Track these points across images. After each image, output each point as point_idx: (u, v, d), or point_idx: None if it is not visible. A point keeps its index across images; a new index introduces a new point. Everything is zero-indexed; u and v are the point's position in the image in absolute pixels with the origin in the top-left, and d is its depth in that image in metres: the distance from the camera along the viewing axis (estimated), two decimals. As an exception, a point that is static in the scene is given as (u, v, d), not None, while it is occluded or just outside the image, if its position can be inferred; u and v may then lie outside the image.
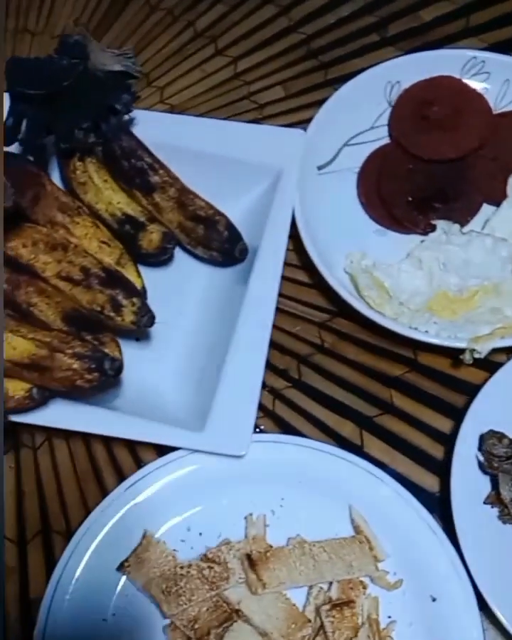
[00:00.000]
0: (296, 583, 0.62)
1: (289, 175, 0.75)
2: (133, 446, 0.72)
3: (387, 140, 0.83)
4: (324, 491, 0.67)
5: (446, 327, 0.71)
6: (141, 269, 0.74)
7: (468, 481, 0.66)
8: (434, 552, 0.64)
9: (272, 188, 0.76)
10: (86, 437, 0.73)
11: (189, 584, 0.62)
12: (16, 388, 0.63)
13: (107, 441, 0.73)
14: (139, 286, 0.72)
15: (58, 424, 0.66)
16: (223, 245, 0.74)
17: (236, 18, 0.92)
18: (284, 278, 0.73)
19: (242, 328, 0.70)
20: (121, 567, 0.65)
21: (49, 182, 0.73)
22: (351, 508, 0.66)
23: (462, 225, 0.76)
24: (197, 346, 0.74)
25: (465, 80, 0.82)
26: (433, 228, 0.76)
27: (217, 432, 0.66)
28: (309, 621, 0.62)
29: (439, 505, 0.67)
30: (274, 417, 0.73)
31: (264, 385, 0.70)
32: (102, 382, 0.62)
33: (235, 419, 0.66)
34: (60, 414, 0.66)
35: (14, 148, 0.74)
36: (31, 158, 0.75)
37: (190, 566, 0.63)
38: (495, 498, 0.65)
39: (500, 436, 0.66)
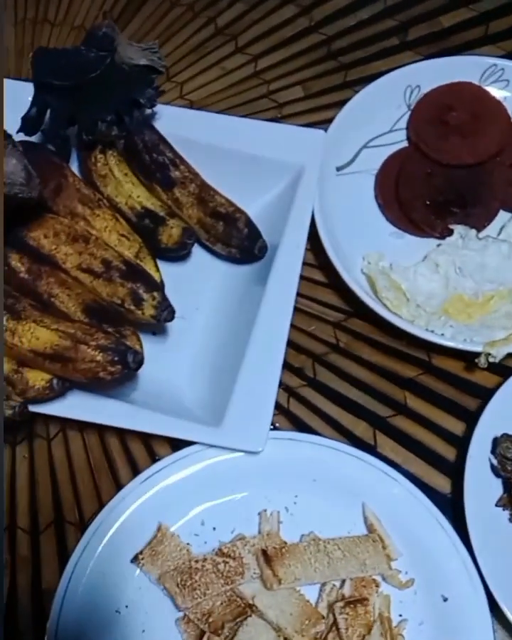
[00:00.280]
0: (311, 580, 0.63)
1: (309, 174, 0.76)
2: (147, 440, 0.72)
3: (405, 143, 0.83)
4: (338, 489, 0.67)
5: (461, 330, 0.72)
6: (158, 263, 0.74)
7: (480, 484, 0.66)
8: (446, 553, 0.64)
9: (292, 186, 0.76)
10: (100, 429, 0.73)
11: (204, 577, 0.63)
12: (36, 378, 0.63)
13: (122, 433, 0.73)
14: (157, 280, 0.72)
15: (76, 415, 0.66)
16: (243, 242, 0.75)
17: (256, 16, 0.93)
18: (300, 277, 0.73)
19: (261, 325, 0.70)
20: (135, 559, 0.65)
21: (71, 173, 0.73)
22: (364, 507, 0.67)
23: (478, 231, 0.77)
24: (213, 342, 0.74)
25: (484, 87, 0.83)
26: (450, 232, 0.77)
27: (234, 428, 0.66)
28: (323, 617, 0.62)
29: (450, 507, 0.67)
30: (288, 415, 0.73)
31: (279, 383, 0.70)
32: (124, 375, 0.62)
33: (252, 416, 0.66)
34: (78, 406, 0.66)
35: (36, 138, 0.74)
36: (52, 148, 0.75)
37: (205, 560, 0.64)
38: (507, 501, 0.66)
39: (513, 439, 0.67)
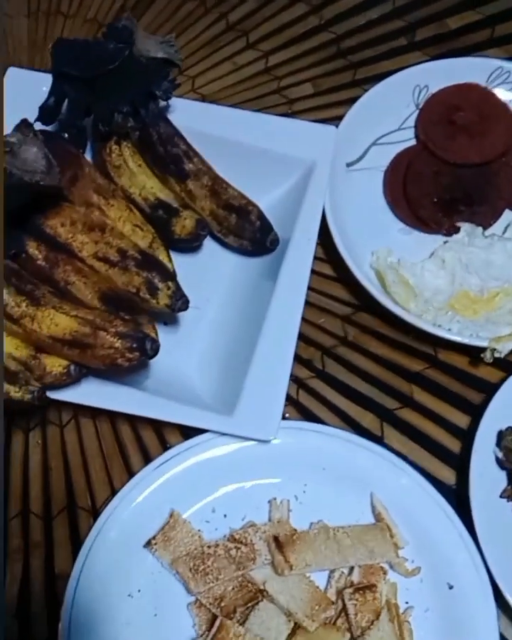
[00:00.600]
0: (321, 566, 0.64)
1: (321, 169, 0.77)
2: (159, 428, 0.73)
3: (413, 142, 0.85)
4: (347, 478, 0.69)
5: (467, 326, 0.73)
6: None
7: (485, 475, 0.68)
8: (452, 542, 0.66)
9: (303, 181, 0.77)
10: (112, 417, 0.74)
11: (216, 563, 0.64)
12: (54, 364, 0.64)
13: (133, 421, 0.74)
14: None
15: (91, 402, 0.67)
16: (255, 235, 0.76)
17: (268, 13, 0.94)
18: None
19: (273, 317, 0.71)
20: (148, 545, 0.66)
21: (87, 163, 0.73)
22: (373, 496, 0.68)
23: (484, 229, 0.79)
24: (224, 333, 0.76)
25: (491, 89, 0.84)
26: (457, 230, 0.79)
27: (246, 417, 0.67)
28: (332, 603, 0.63)
29: (455, 498, 0.69)
30: (297, 406, 0.75)
31: (290, 374, 0.71)
32: (140, 362, 0.63)
33: (264, 405, 0.68)
34: (93, 392, 0.67)
35: (52, 128, 0.75)
36: (65, 136, 0.75)
37: (217, 546, 0.65)
38: (511, 492, 0.68)
39: (518, 433, 0.68)
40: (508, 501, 0.68)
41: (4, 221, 0.64)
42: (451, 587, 0.65)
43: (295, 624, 0.63)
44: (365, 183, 0.82)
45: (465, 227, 0.78)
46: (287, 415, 0.74)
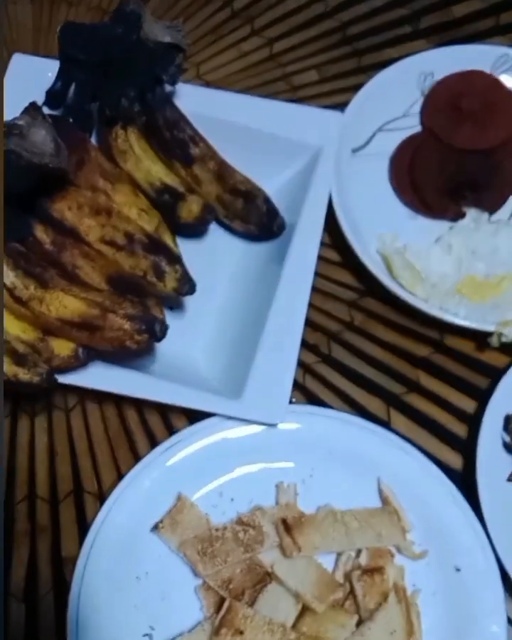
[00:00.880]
0: (329, 549, 0.64)
1: (327, 154, 0.77)
2: (165, 412, 0.73)
3: (419, 128, 0.85)
4: (354, 462, 0.69)
5: (474, 310, 0.73)
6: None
7: (492, 460, 0.68)
8: (459, 525, 0.66)
9: (310, 166, 0.77)
10: (118, 401, 0.74)
11: (224, 546, 0.64)
12: (62, 347, 0.64)
13: (139, 406, 0.74)
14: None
15: (99, 385, 0.67)
16: (262, 219, 0.76)
17: (273, 0, 0.93)
18: (317, 256, 0.75)
19: (280, 302, 0.71)
20: (155, 528, 0.66)
21: (93, 148, 0.73)
22: (379, 480, 0.68)
23: (490, 214, 0.79)
24: (230, 317, 0.75)
25: (496, 76, 0.85)
26: (462, 215, 0.79)
27: (254, 400, 0.67)
28: (341, 585, 0.64)
29: (461, 482, 0.69)
30: (304, 391, 0.75)
31: (297, 359, 0.71)
32: (149, 344, 0.63)
33: (271, 389, 0.68)
34: (101, 376, 0.67)
35: (59, 112, 0.75)
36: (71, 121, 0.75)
37: (225, 529, 0.65)
38: (518, 476, 0.68)
39: (525, 417, 0.68)
40: (514, 485, 0.68)
41: (12, 204, 0.65)
42: (458, 570, 0.65)
43: (303, 605, 0.63)
44: (371, 169, 0.82)
45: (471, 212, 0.79)
46: (294, 400, 0.74)
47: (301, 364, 0.75)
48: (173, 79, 0.74)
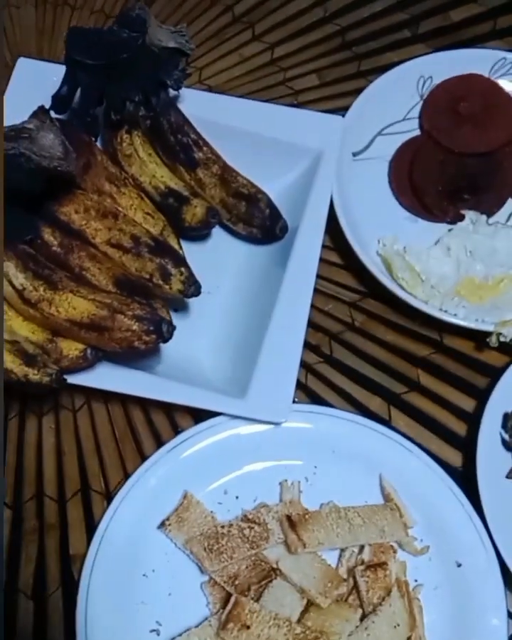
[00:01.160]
0: (333, 544, 0.66)
1: (328, 158, 0.78)
2: (170, 412, 0.75)
3: (418, 132, 0.86)
4: (356, 460, 0.70)
5: (473, 311, 0.75)
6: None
7: (492, 457, 0.69)
8: (460, 521, 0.67)
9: (311, 170, 0.78)
10: (124, 401, 0.75)
11: (230, 542, 0.65)
12: (70, 348, 0.65)
13: (145, 406, 0.75)
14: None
15: (107, 385, 0.68)
16: (265, 222, 0.77)
17: (273, 5, 0.95)
18: (319, 258, 0.76)
19: (283, 303, 0.72)
20: (162, 526, 0.67)
21: (99, 152, 0.74)
22: (381, 477, 0.70)
23: (489, 216, 0.80)
24: (234, 319, 0.77)
25: (494, 79, 0.86)
26: (461, 218, 0.80)
27: (258, 400, 0.68)
28: (344, 580, 0.65)
29: (462, 479, 0.70)
30: (306, 390, 0.76)
31: (300, 359, 0.73)
32: (157, 344, 0.64)
33: (275, 388, 0.69)
34: (109, 376, 0.68)
35: (64, 116, 0.76)
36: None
37: (231, 526, 0.66)
38: (517, 473, 0.69)
39: (523, 415, 0.70)
40: (513, 482, 0.69)
41: (20, 206, 0.66)
42: (459, 565, 0.66)
43: (308, 600, 0.64)
44: (371, 172, 0.84)
45: (470, 215, 0.80)
46: (296, 399, 0.75)
47: (303, 364, 0.76)
48: (177, 83, 0.75)
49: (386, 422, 0.74)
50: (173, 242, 0.75)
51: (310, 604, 0.64)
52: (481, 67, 0.86)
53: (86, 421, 0.74)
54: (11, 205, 0.66)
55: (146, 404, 0.75)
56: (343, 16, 0.94)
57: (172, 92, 0.77)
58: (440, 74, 0.86)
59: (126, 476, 0.71)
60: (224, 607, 0.63)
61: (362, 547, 0.67)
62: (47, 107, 0.66)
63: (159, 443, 0.73)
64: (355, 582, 0.65)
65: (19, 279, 0.64)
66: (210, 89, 0.89)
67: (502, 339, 0.73)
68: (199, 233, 0.78)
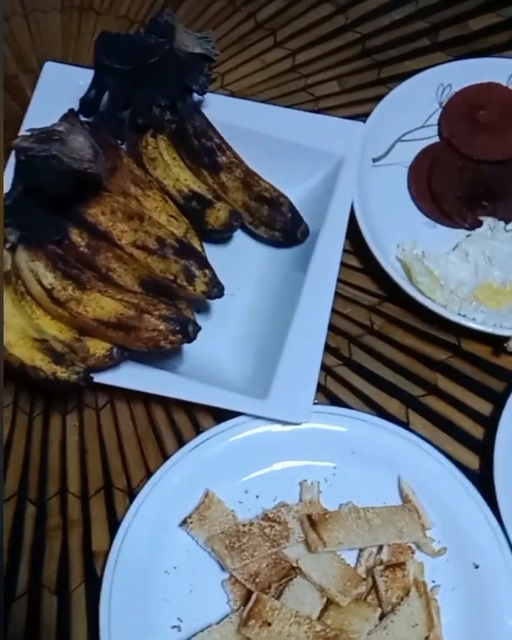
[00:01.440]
0: (353, 544, 0.66)
1: (350, 163, 0.79)
2: (192, 412, 0.76)
3: (437, 139, 0.87)
4: (374, 462, 0.71)
5: (491, 316, 0.76)
6: (203, 244, 0.77)
7: (509, 460, 0.70)
8: (477, 523, 0.68)
9: (333, 175, 0.79)
10: (146, 401, 0.76)
11: (251, 540, 0.66)
12: (97, 347, 0.66)
13: (167, 405, 0.76)
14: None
15: (132, 385, 0.69)
16: (286, 226, 0.78)
17: (295, 13, 0.96)
18: (340, 262, 0.77)
19: (304, 306, 0.73)
20: (183, 524, 0.68)
21: (126, 155, 0.76)
22: (400, 479, 0.71)
23: (507, 223, 0.81)
24: (256, 321, 0.78)
25: (512, 88, 0.87)
26: (479, 224, 0.81)
27: (279, 400, 0.69)
28: (363, 579, 0.66)
29: (479, 482, 0.71)
30: (325, 392, 0.77)
31: (320, 361, 0.74)
32: (182, 344, 0.65)
33: (296, 389, 0.70)
34: (133, 376, 0.69)
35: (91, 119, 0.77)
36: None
37: (252, 524, 0.67)
38: (534, 476, 0.70)
39: (540, 419, 0.71)
40: (530, 485, 0.70)
41: (48, 207, 0.67)
42: (476, 567, 0.67)
43: (327, 599, 0.65)
44: (391, 178, 0.85)
45: (488, 221, 0.81)
46: (316, 401, 0.76)
47: (323, 367, 0.76)
48: (202, 88, 0.76)
49: (404, 425, 0.75)
50: (196, 243, 0.76)
51: (329, 603, 0.65)
52: (499, 75, 0.87)
53: (109, 420, 0.76)
54: (40, 206, 0.68)
55: (168, 403, 0.76)
56: (363, 23, 0.95)
57: (196, 97, 0.78)
58: (459, 82, 0.87)
59: (148, 474, 0.72)
60: (245, 604, 0.64)
61: (380, 548, 0.68)
62: (73, 109, 0.67)
63: (181, 442, 0.74)
64: (374, 582, 0.66)
65: (48, 278, 0.65)
66: (232, 95, 0.90)
67: (520, 344, 0.74)
68: (222, 236, 0.79)
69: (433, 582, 0.68)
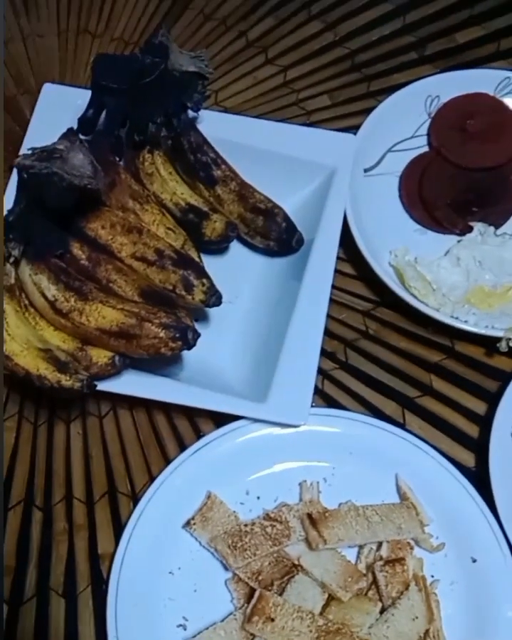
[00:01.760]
0: (353, 541, 0.68)
1: (341, 174, 0.82)
2: (192, 417, 0.78)
3: (426, 148, 0.90)
4: (373, 461, 0.73)
5: (483, 318, 0.78)
6: (200, 255, 0.80)
7: (504, 457, 0.72)
8: (474, 518, 0.70)
9: (325, 186, 0.82)
10: (148, 407, 0.78)
11: (253, 540, 0.68)
12: (100, 355, 0.69)
13: (168, 411, 0.78)
14: (204, 269, 0.77)
15: (135, 392, 0.71)
16: (281, 236, 0.81)
17: (285, 30, 0.99)
18: (334, 269, 0.79)
19: (300, 312, 0.75)
20: (187, 525, 0.70)
21: (124, 170, 0.78)
22: (398, 477, 0.73)
23: (497, 228, 0.84)
24: (253, 327, 0.80)
25: (499, 98, 0.90)
26: (470, 229, 0.84)
27: (278, 404, 0.71)
28: (364, 575, 0.67)
29: (475, 479, 0.73)
30: (323, 395, 0.79)
31: (317, 365, 0.76)
32: (182, 351, 0.68)
33: (294, 392, 0.72)
34: (135, 383, 0.71)
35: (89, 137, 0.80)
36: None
37: (253, 524, 0.69)
38: (528, 472, 0.72)
39: (532, 416, 0.73)
40: (525, 480, 0.72)
41: (51, 222, 0.70)
42: (474, 561, 0.69)
43: (329, 595, 0.67)
44: (382, 187, 0.87)
45: (478, 226, 0.83)
46: (314, 404, 0.78)
47: (320, 371, 0.79)
48: (197, 105, 0.79)
49: (401, 425, 0.77)
50: (194, 255, 0.78)
51: (331, 599, 0.67)
52: (485, 86, 0.90)
53: (112, 426, 0.78)
54: (42, 222, 0.70)
55: (169, 409, 0.78)
56: (352, 39, 0.98)
57: (191, 114, 0.81)
58: (447, 93, 0.90)
59: (152, 478, 0.74)
60: (248, 602, 0.66)
61: (380, 545, 0.70)
62: (72, 128, 0.69)
63: (182, 447, 0.76)
64: (374, 577, 0.68)
65: (51, 291, 0.68)
66: (226, 111, 0.93)
67: (511, 344, 0.76)
68: (218, 246, 0.82)
69: (432, 576, 0.70)
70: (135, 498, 0.74)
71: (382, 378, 0.80)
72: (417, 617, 0.65)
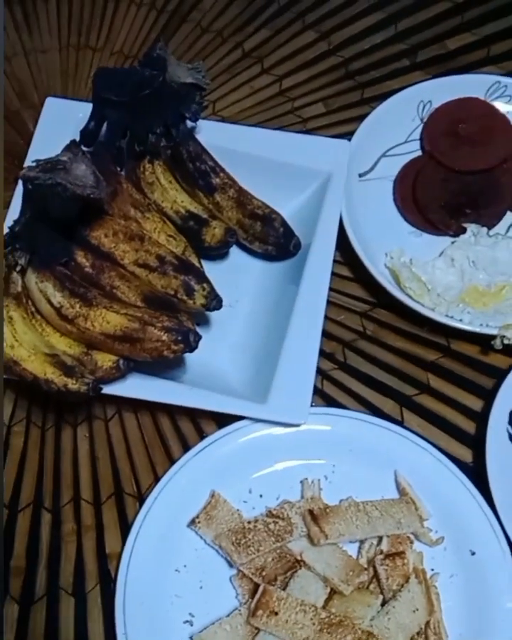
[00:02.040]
0: (353, 536, 0.70)
1: (337, 180, 0.84)
2: (195, 418, 0.80)
3: (419, 152, 0.92)
4: (372, 458, 0.75)
5: (478, 316, 0.80)
6: (200, 261, 0.82)
7: (500, 452, 0.74)
8: (472, 512, 0.72)
9: (321, 191, 0.84)
10: (152, 410, 0.80)
11: (256, 536, 0.69)
12: (105, 359, 0.71)
13: (172, 413, 0.80)
14: (204, 274, 0.80)
15: (138, 394, 0.73)
16: (279, 240, 0.83)
17: (280, 41, 1.02)
18: (331, 272, 0.81)
19: (298, 314, 0.77)
20: (192, 523, 0.72)
21: (125, 180, 0.80)
22: (397, 473, 0.74)
23: (489, 229, 0.86)
24: (253, 330, 0.82)
25: (490, 102, 0.92)
26: (463, 231, 0.86)
27: (279, 404, 0.73)
28: (365, 569, 0.69)
29: (472, 474, 0.74)
30: (322, 395, 0.81)
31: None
32: (185, 353, 0.70)
33: (294, 392, 0.74)
34: (139, 386, 0.73)
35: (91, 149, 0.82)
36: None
37: (256, 521, 0.70)
38: (524, 466, 0.74)
39: (528, 411, 0.75)
40: (521, 475, 0.74)
41: (56, 231, 0.72)
42: (473, 554, 0.71)
43: (331, 589, 0.68)
44: (377, 191, 0.90)
45: (471, 227, 0.85)
46: (314, 404, 0.80)
47: (319, 371, 0.81)
48: (195, 116, 0.81)
49: (399, 423, 0.79)
50: (194, 261, 0.80)
51: (333, 592, 0.68)
52: (477, 91, 0.92)
53: (118, 429, 0.80)
54: (47, 231, 0.72)
55: (173, 411, 0.80)
56: (345, 48, 1.01)
57: (189, 124, 0.83)
58: (439, 98, 0.92)
59: (157, 478, 0.76)
60: (253, 597, 0.67)
61: (380, 539, 0.71)
62: (75, 140, 0.72)
63: (186, 447, 0.78)
64: (375, 571, 0.69)
65: (57, 297, 0.70)
66: (223, 120, 0.95)
67: (506, 342, 0.77)
68: (218, 252, 0.84)
69: (432, 570, 0.71)
70: (141, 499, 0.76)
71: (380, 377, 0.82)
72: (417, 609, 0.66)
